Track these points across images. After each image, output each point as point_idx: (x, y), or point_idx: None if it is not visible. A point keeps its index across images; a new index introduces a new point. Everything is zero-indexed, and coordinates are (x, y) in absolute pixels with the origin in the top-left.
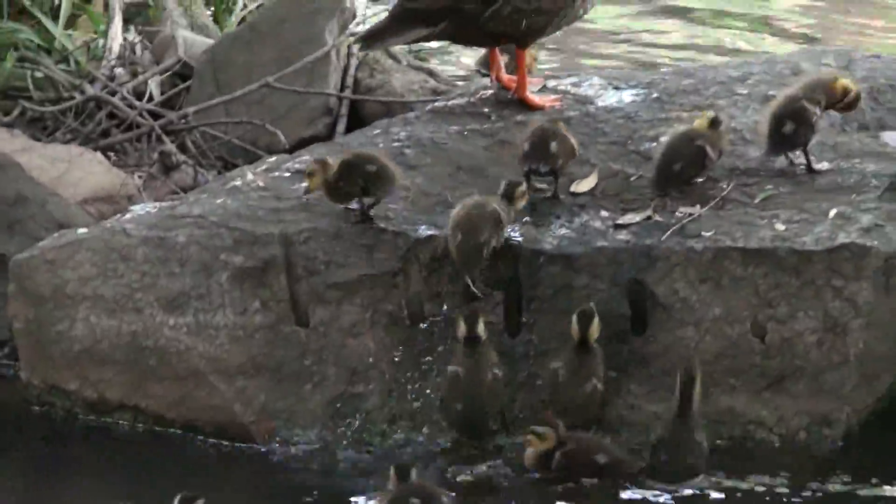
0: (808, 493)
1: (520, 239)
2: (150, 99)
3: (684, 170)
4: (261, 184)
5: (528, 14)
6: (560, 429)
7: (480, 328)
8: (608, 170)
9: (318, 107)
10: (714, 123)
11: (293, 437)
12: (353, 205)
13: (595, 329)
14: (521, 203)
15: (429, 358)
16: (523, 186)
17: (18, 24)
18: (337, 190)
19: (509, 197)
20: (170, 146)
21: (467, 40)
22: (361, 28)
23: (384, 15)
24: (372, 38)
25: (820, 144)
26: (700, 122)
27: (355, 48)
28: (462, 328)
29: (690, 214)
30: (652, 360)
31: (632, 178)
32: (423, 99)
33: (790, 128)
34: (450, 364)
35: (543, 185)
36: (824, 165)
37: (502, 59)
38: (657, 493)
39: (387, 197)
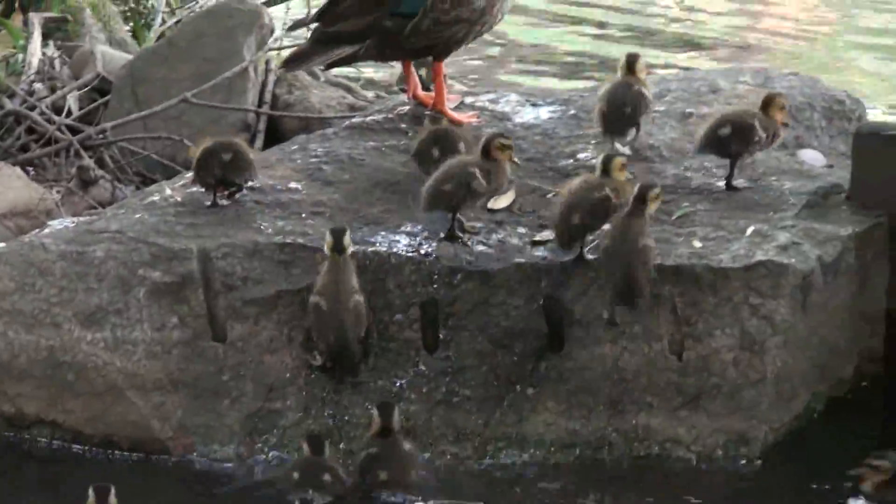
0: None
1: (437, 255)
2: (69, 114)
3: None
4: (179, 199)
5: (447, 25)
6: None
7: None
8: (525, 186)
9: (237, 122)
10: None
11: (211, 453)
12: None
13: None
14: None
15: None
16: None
17: None
18: (198, 178)
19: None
20: (88, 161)
21: (389, 57)
22: (279, 44)
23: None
24: (295, 60)
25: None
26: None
27: (275, 67)
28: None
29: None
30: (569, 378)
31: (549, 195)
32: (340, 115)
33: (726, 132)
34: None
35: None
36: (741, 183)
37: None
38: None
39: (247, 182)
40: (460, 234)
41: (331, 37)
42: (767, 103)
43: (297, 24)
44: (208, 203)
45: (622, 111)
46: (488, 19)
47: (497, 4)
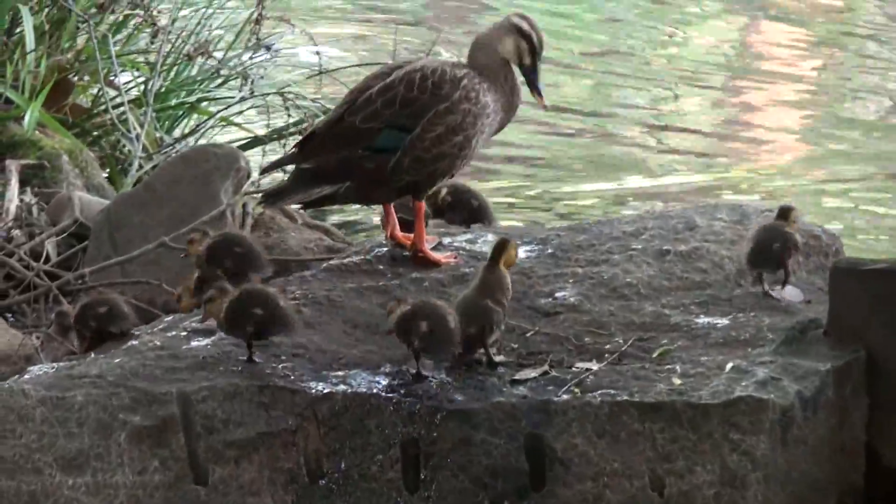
0: None
1: (417, 395)
2: (48, 260)
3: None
4: (158, 343)
5: (429, 162)
6: None
7: None
8: (505, 325)
9: None
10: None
11: None
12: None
13: None
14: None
15: None
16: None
17: None
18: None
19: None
20: (67, 307)
21: (371, 197)
22: (256, 187)
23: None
24: (275, 197)
25: (715, 298)
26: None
27: (253, 206)
28: None
29: (588, 370)
30: None
31: (528, 334)
32: (318, 257)
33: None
34: None
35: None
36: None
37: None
38: None
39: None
40: (498, 360)
41: (311, 174)
42: (785, 215)
43: (271, 167)
44: (244, 358)
45: (770, 247)
46: (468, 153)
47: (476, 136)
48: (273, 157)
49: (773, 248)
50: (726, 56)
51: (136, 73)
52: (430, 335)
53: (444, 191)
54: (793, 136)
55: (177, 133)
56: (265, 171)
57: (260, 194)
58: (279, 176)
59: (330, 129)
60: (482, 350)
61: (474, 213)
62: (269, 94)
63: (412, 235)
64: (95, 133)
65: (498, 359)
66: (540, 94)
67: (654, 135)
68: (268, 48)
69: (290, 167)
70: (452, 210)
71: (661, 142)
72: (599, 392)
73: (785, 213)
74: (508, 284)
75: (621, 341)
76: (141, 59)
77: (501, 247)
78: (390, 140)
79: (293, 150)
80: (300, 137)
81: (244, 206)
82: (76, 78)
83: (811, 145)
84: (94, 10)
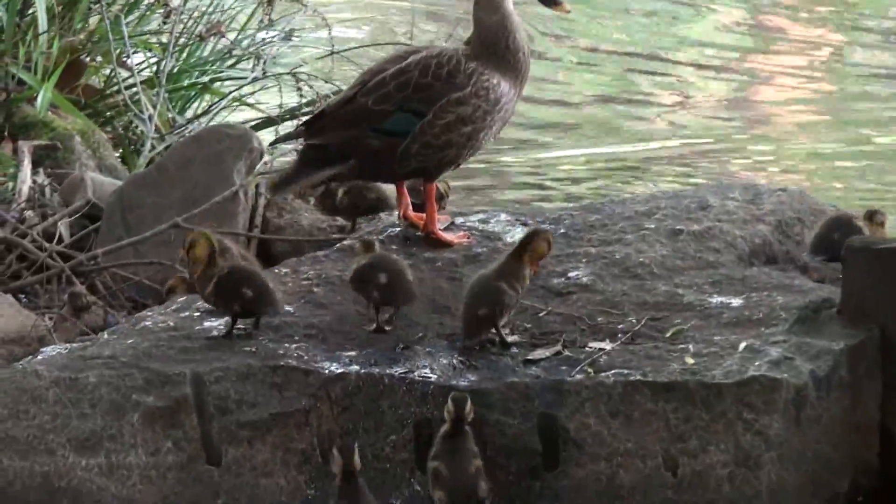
0: None
1: (432, 376)
2: (60, 241)
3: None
4: (171, 324)
5: (438, 149)
6: None
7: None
8: (518, 305)
9: None
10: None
11: None
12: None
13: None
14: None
15: None
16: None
17: None
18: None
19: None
20: (80, 288)
21: (375, 176)
22: (269, 167)
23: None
24: (282, 183)
25: (728, 278)
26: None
27: (265, 190)
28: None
29: (601, 349)
30: (564, 496)
31: (541, 314)
32: (331, 237)
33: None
34: None
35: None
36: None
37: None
38: None
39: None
40: (511, 340)
41: (316, 154)
42: (870, 217)
43: (280, 139)
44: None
45: (831, 236)
46: (475, 144)
47: (485, 130)
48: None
49: (835, 237)
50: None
51: (149, 54)
52: (388, 286)
53: (340, 191)
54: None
55: (189, 114)
56: (276, 143)
57: (271, 175)
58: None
59: (341, 109)
60: (494, 331)
61: (372, 205)
62: (281, 74)
63: (424, 215)
64: (108, 114)
65: (511, 339)
66: (557, 3)
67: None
68: (287, 36)
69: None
70: (350, 209)
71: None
72: (612, 372)
73: (871, 215)
74: (527, 275)
75: (634, 321)
76: (153, 39)
77: (529, 238)
78: (401, 123)
79: (301, 126)
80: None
81: (257, 186)
82: (88, 59)
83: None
84: None
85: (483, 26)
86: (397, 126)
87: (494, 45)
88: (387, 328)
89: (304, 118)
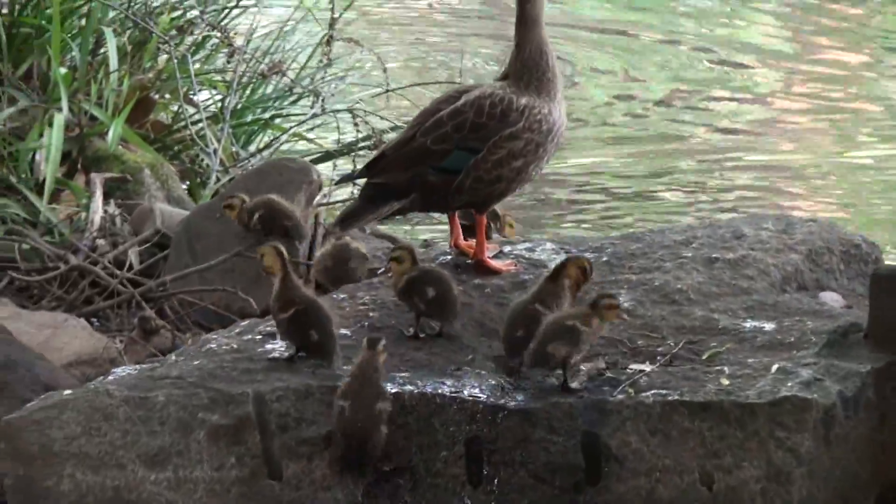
0: None
1: (481, 396)
2: (130, 268)
3: None
4: (234, 346)
5: (488, 183)
6: None
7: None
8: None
9: None
10: None
11: None
12: None
13: None
14: None
15: None
16: None
17: (6, 199)
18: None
19: None
20: (149, 312)
21: (431, 209)
22: (327, 199)
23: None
24: (348, 220)
25: (761, 304)
26: None
27: (324, 221)
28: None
29: (641, 371)
30: None
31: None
32: (386, 265)
33: None
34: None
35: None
36: None
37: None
38: None
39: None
40: (575, 387)
41: (378, 191)
42: None
43: (343, 179)
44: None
45: None
46: (525, 177)
47: (532, 164)
48: (342, 171)
49: None
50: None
51: (214, 91)
52: (435, 300)
53: (256, 215)
54: None
55: (252, 148)
56: (339, 182)
57: (330, 206)
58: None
59: (401, 149)
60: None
61: (287, 232)
62: (339, 110)
63: (475, 244)
64: (175, 148)
65: (574, 385)
66: None
67: None
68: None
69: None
70: (264, 231)
71: None
72: (652, 392)
73: None
74: (563, 297)
75: (672, 344)
76: (218, 77)
77: (562, 264)
78: (460, 161)
79: (363, 168)
80: (369, 153)
81: (316, 216)
82: (157, 96)
83: None
84: (174, 32)
85: (525, 50)
86: (455, 164)
87: (536, 69)
88: (420, 335)
89: (361, 153)
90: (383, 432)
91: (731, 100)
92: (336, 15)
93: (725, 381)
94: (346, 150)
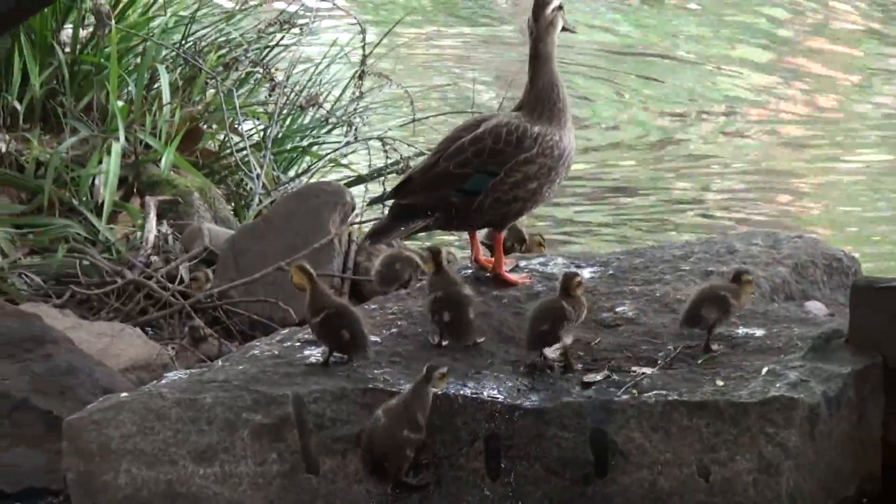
0: None
1: (499, 396)
2: (181, 282)
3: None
4: (276, 352)
5: (506, 203)
6: None
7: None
8: (573, 336)
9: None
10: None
11: None
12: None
13: None
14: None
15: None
16: None
17: (68, 220)
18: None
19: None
20: (198, 322)
21: (456, 226)
22: (360, 219)
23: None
24: (377, 235)
25: (752, 312)
26: None
27: (357, 238)
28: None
29: (644, 373)
30: (613, 499)
31: (592, 343)
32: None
33: None
34: None
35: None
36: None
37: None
38: None
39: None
40: (715, 348)
41: (405, 210)
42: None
43: (374, 201)
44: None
45: None
46: (540, 198)
47: (545, 186)
48: (373, 194)
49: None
50: None
51: (257, 122)
52: (451, 324)
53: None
54: None
55: (291, 173)
56: (371, 203)
57: (362, 225)
58: (378, 209)
59: (426, 173)
60: (556, 349)
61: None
62: (370, 138)
63: (493, 259)
64: (222, 173)
65: (588, 377)
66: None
67: None
68: (376, 106)
69: (389, 202)
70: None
71: None
72: (654, 393)
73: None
74: (578, 306)
75: (672, 349)
76: (260, 109)
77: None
78: (480, 183)
79: (392, 191)
80: (397, 177)
81: (349, 235)
82: (205, 126)
83: None
84: (220, 69)
85: (538, 84)
86: (475, 186)
87: (548, 101)
88: (444, 343)
89: (390, 177)
90: (408, 456)
91: (723, 114)
92: (367, 52)
93: (720, 383)
94: (376, 174)
